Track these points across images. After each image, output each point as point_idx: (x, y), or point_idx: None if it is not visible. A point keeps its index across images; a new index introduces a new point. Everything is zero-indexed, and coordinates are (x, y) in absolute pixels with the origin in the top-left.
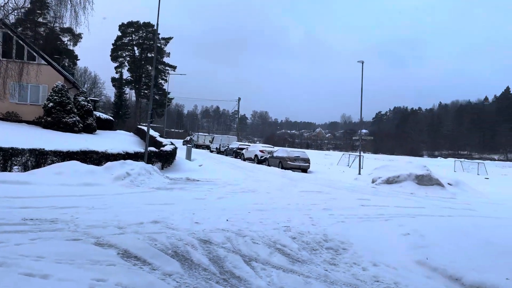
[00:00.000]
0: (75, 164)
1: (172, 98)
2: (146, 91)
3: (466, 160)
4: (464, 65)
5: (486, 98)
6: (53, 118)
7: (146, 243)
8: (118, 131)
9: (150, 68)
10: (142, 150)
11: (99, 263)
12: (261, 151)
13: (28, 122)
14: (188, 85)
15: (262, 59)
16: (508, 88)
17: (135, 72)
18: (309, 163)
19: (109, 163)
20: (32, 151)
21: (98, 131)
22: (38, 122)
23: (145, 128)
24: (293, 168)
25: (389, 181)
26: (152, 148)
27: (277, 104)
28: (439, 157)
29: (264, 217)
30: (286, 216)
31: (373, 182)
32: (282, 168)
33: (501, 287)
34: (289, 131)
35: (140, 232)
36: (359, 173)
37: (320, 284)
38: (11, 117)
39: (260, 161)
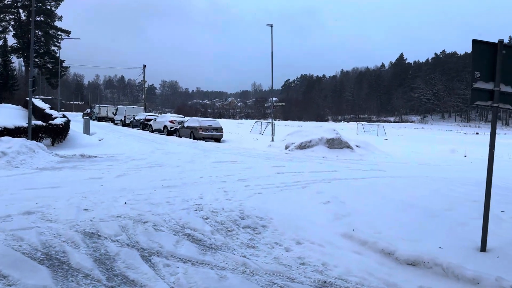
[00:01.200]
0: None
1: (67, 67)
2: (36, 59)
3: (366, 123)
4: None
5: (382, 65)
6: None
7: (5, 245)
8: (3, 104)
9: (40, 33)
10: (26, 125)
11: None
12: (171, 121)
13: None
14: (88, 54)
15: (169, 27)
16: (402, 54)
17: (22, 38)
18: (222, 132)
19: None
20: None
21: None
22: None
23: (37, 101)
24: (206, 138)
25: (302, 146)
26: (38, 122)
27: (187, 74)
28: (342, 121)
29: (172, 195)
30: (198, 192)
31: (286, 148)
32: (194, 138)
33: (439, 258)
34: (201, 101)
35: (1, 229)
36: (272, 140)
37: (237, 277)
38: None
39: (170, 132)
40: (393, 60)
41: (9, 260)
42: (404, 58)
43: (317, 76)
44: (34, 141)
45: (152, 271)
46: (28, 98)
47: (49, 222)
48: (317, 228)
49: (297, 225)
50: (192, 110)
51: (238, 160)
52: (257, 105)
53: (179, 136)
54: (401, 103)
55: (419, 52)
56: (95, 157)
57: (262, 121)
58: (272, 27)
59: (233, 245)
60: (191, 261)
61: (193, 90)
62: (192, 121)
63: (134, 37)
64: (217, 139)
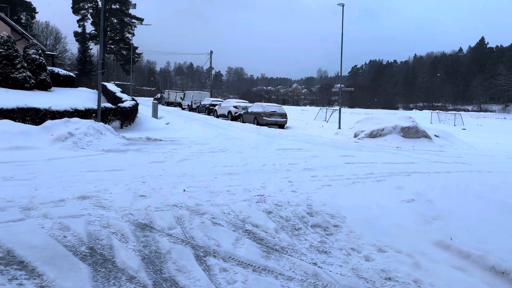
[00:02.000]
0: (4, 123)
1: (140, 54)
2: (112, 46)
3: (441, 111)
4: (439, 15)
5: (460, 49)
6: (0, 74)
7: (49, 235)
8: (80, 88)
9: (115, 20)
10: (96, 107)
11: None
12: (235, 106)
13: None
14: (160, 41)
15: (235, 15)
16: (482, 38)
17: (99, 26)
18: (286, 118)
19: (48, 122)
20: None
21: (55, 88)
22: None
23: (109, 85)
24: (269, 124)
25: (373, 135)
26: (107, 104)
27: (252, 60)
28: (414, 109)
29: (233, 184)
30: (261, 181)
31: (355, 136)
32: (258, 124)
33: None
34: (265, 88)
35: (50, 215)
36: (339, 127)
37: None
38: None
39: (234, 117)
40: (472, 45)
41: (49, 254)
42: (486, 42)
43: (387, 61)
44: (102, 123)
45: (206, 276)
46: (102, 82)
47: (101, 209)
48: (402, 233)
49: (377, 228)
50: (257, 97)
51: (303, 147)
52: (322, 91)
53: (243, 122)
54: (480, 91)
55: (501, 37)
56: (160, 140)
57: (327, 108)
58: (343, 6)
59: (301, 248)
60: (252, 266)
61: (257, 76)
62: (256, 107)
63: (203, 24)
64: (281, 125)
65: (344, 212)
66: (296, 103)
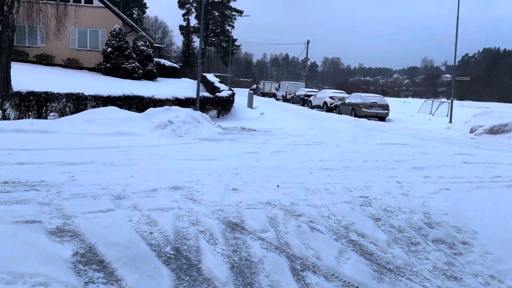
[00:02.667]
0: (111, 110)
1: (239, 46)
2: (213, 39)
3: None
4: None
5: None
6: (112, 64)
7: (135, 231)
8: (183, 78)
9: (216, 13)
10: (195, 96)
11: (13, 283)
12: (331, 97)
13: (89, 69)
14: (257, 33)
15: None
16: None
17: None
18: (388, 110)
19: (150, 109)
20: (69, 96)
21: (160, 79)
22: (98, 69)
23: (209, 76)
24: (369, 116)
25: (494, 131)
26: (205, 94)
27: (350, 50)
28: None
29: (332, 181)
30: (363, 180)
31: (471, 132)
32: (355, 116)
33: None
34: (362, 78)
35: (140, 207)
36: (450, 121)
37: None
38: (72, 64)
39: (329, 108)
40: None
41: (131, 255)
42: None
43: (505, 49)
44: (199, 112)
45: None
46: (202, 73)
47: (192, 203)
48: None
49: None
50: (353, 87)
51: (410, 142)
52: (426, 82)
53: (339, 113)
54: None
55: None
56: (254, 130)
57: (433, 99)
58: None
59: (421, 270)
60: None
61: (355, 66)
62: (354, 97)
63: (300, 14)
64: (382, 118)
65: (474, 225)
66: (397, 94)
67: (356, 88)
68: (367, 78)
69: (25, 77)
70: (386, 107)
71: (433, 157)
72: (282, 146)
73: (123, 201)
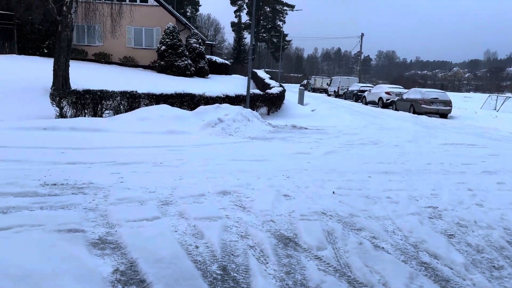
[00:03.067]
0: (162, 108)
1: (290, 41)
2: (264, 34)
3: None
4: None
5: None
6: (166, 62)
7: (180, 243)
8: (233, 75)
9: (268, 9)
10: (245, 93)
11: None
12: (387, 92)
13: (144, 67)
14: (309, 27)
15: None
16: None
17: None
18: (451, 106)
19: (201, 107)
20: (123, 94)
21: (211, 75)
22: (152, 67)
23: (259, 72)
24: (429, 113)
25: None
26: (256, 91)
27: (406, 42)
28: None
29: (393, 187)
30: (429, 186)
31: None
32: (414, 112)
33: None
34: (419, 72)
35: (186, 215)
36: None
37: None
38: (128, 62)
39: (385, 104)
40: None
41: (174, 274)
42: None
43: None
44: (249, 110)
45: None
46: (253, 69)
47: (241, 211)
48: None
49: None
50: (409, 82)
51: (477, 143)
52: (490, 76)
53: (396, 109)
54: None
55: None
56: (306, 128)
57: (498, 95)
58: None
59: None
60: None
61: (411, 60)
62: (412, 93)
63: (353, 6)
64: (443, 115)
65: None
66: (457, 89)
67: (413, 82)
68: (425, 71)
69: (83, 75)
70: (448, 103)
71: (505, 159)
72: (335, 146)
73: (170, 207)
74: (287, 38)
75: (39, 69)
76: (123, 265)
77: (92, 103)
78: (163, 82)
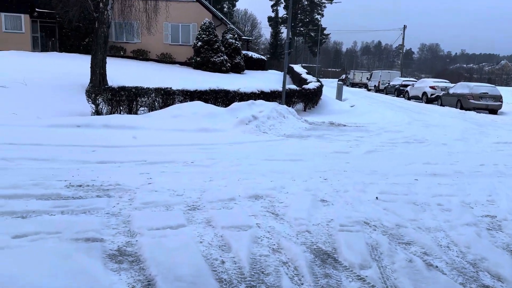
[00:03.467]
0: (195, 105)
1: (328, 34)
2: (301, 28)
3: None
4: None
5: None
6: (202, 58)
7: (204, 258)
8: (269, 70)
9: (305, 2)
10: (281, 89)
11: None
12: (432, 87)
13: (181, 63)
14: (346, 20)
15: None
16: None
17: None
18: (501, 101)
19: (235, 104)
20: (158, 91)
21: (247, 71)
22: (189, 63)
23: (296, 67)
24: (478, 108)
25: None
26: (292, 86)
27: (451, 34)
28: None
29: (444, 192)
30: (484, 190)
31: None
32: (461, 108)
33: None
34: (465, 65)
35: (214, 223)
36: None
37: None
38: (166, 59)
39: (429, 100)
40: None
41: None
42: None
43: None
44: (285, 106)
45: None
46: (290, 65)
47: (273, 218)
48: None
49: None
50: (454, 76)
51: None
52: None
53: (441, 105)
54: None
55: None
56: (344, 125)
57: None
58: None
59: None
60: None
61: (456, 53)
62: (460, 87)
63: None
64: (493, 110)
65: None
66: (505, 83)
67: (458, 76)
68: (470, 65)
69: (121, 72)
70: (498, 98)
71: None
72: (377, 145)
73: (197, 213)
74: (325, 32)
75: (79, 66)
76: (139, 283)
77: (127, 100)
78: (198, 79)
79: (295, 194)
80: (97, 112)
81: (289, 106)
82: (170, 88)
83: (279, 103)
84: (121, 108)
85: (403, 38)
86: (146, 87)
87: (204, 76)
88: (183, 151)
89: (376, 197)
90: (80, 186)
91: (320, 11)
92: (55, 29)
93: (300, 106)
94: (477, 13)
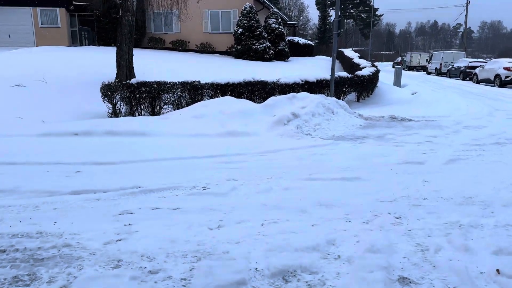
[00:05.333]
0: (223, 101)
1: (380, 15)
2: (351, 10)
3: None
4: None
5: None
6: (243, 46)
7: None
8: (317, 56)
9: None
10: (329, 77)
11: None
12: (506, 68)
13: (221, 53)
14: (400, 0)
15: None
16: None
17: None
18: None
19: (271, 99)
20: (184, 85)
21: (292, 58)
22: (230, 52)
23: (346, 51)
24: None
25: None
26: (342, 74)
27: None
28: None
29: None
30: None
31: None
32: None
33: None
34: None
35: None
36: None
37: None
38: (205, 49)
39: (504, 83)
40: None
41: None
42: None
43: None
44: (334, 99)
45: None
46: (340, 49)
47: None
48: None
49: None
50: None
51: None
52: None
53: None
54: None
55: None
56: (409, 120)
57: None
58: None
59: None
60: None
61: None
62: None
63: None
64: None
65: None
66: None
67: None
68: None
69: (155, 65)
70: None
71: None
72: (458, 149)
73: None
74: (377, 13)
75: (110, 60)
76: None
77: (148, 97)
78: (238, 69)
79: (352, 263)
80: (115, 113)
81: (339, 98)
82: (198, 81)
83: (327, 95)
84: (142, 107)
85: (466, 15)
86: (170, 82)
87: (245, 66)
88: (197, 167)
89: (497, 270)
90: (4, 251)
91: None
92: (93, 22)
93: (352, 96)
94: None
